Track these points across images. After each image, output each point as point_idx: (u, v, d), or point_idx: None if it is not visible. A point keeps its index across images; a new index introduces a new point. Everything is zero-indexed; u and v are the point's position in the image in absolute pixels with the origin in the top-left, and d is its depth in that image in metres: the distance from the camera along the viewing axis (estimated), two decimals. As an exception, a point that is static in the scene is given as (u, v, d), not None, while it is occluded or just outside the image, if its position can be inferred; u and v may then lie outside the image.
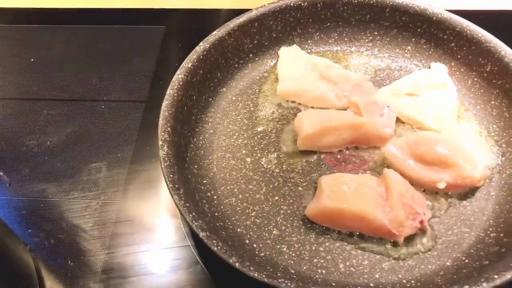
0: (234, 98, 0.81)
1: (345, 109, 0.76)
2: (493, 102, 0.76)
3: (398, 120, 0.75)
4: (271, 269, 0.61)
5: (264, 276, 0.53)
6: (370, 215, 0.61)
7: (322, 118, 0.71)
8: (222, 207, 0.68)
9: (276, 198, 0.69)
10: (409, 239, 0.63)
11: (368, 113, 0.71)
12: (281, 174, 0.71)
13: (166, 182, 0.61)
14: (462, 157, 0.66)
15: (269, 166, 0.72)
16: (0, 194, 0.73)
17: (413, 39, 0.84)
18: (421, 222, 0.62)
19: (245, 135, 0.76)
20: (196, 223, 0.58)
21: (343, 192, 0.63)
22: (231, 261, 0.55)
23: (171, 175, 0.62)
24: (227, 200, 0.69)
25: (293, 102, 0.79)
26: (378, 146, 0.72)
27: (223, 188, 0.70)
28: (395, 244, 0.63)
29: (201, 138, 0.75)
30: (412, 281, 0.60)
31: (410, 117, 0.74)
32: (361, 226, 0.63)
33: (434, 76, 0.78)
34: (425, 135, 0.71)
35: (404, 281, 0.60)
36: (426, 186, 0.67)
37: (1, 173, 0.75)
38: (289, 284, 0.53)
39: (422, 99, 0.75)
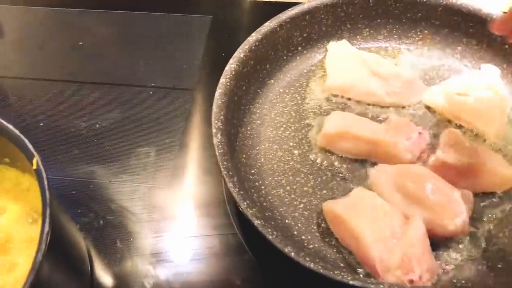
0: (281, 90, 0.81)
1: (396, 106, 0.76)
2: (547, 106, 0.75)
3: (445, 120, 0.75)
4: (321, 262, 0.61)
5: (320, 267, 0.53)
6: (366, 241, 0.59)
7: (347, 123, 0.71)
8: (270, 197, 0.68)
9: (324, 191, 0.69)
10: (461, 240, 0.63)
11: (395, 133, 0.69)
12: (329, 168, 0.71)
13: (221, 169, 0.62)
14: (445, 203, 0.61)
15: (317, 160, 0.72)
16: (51, 173, 0.74)
17: (464, 40, 0.83)
18: (411, 282, 0.57)
19: (293, 128, 0.76)
20: (250, 211, 0.58)
21: (361, 209, 0.61)
22: (286, 250, 0.55)
23: (225, 163, 0.63)
24: (274, 191, 0.69)
25: (342, 97, 0.79)
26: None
27: (270, 178, 0.70)
28: (447, 243, 0.63)
29: (249, 128, 0.75)
30: (463, 281, 0.60)
31: (459, 116, 0.74)
32: (354, 248, 0.62)
33: (485, 77, 0.76)
34: (418, 169, 0.66)
35: (454, 280, 0.60)
36: None
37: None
38: (345, 276, 0.53)
39: (472, 99, 0.74)
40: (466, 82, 0.76)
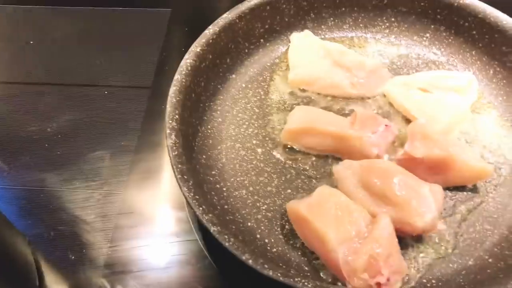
0: (244, 85, 0.77)
1: (362, 98, 0.73)
2: (516, 93, 0.72)
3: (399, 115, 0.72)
4: (284, 266, 0.58)
5: (279, 274, 0.50)
6: (331, 243, 0.55)
7: (311, 118, 0.68)
8: (231, 199, 0.65)
9: (289, 191, 0.66)
10: (430, 236, 0.60)
11: (361, 127, 0.66)
12: (294, 166, 0.68)
13: (175, 173, 0.58)
14: (413, 200, 0.58)
15: (281, 158, 0.69)
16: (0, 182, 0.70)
17: (432, 26, 0.80)
18: (378, 284, 0.54)
19: (256, 124, 0.72)
20: (206, 217, 0.54)
21: (325, 209, 0.58)
22: (244, 257, 0.51)
23: (179, 165, 0.59)
24: (237, 193, 0.66)
25: (306, 90, 0.76)
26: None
27: (232, 179, 0.67)
28: (417, 241, 0.60)
29: (209, 126, 0.71)
30: (433, 281, 0.57)
31: (407, 110, 0.71)
32: (319, 250, 0.58)
33: (456, 79, 0.72)
34: (384, 164, 0.63)
35: (424, 280, 0.57)
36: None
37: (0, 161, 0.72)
38: (305, 283, 0.49)
39: (432, 97, 0.71)
40: (433, 79, 0.73)
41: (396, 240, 0.57)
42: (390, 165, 0.63)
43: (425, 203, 0.58)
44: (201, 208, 0.55)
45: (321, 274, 0.58)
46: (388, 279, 0.54)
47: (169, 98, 0.65)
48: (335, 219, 0.57)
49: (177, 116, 0.63)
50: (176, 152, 0.60)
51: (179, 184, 0.57)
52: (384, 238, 0.55)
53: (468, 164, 0.63)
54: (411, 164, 0.63)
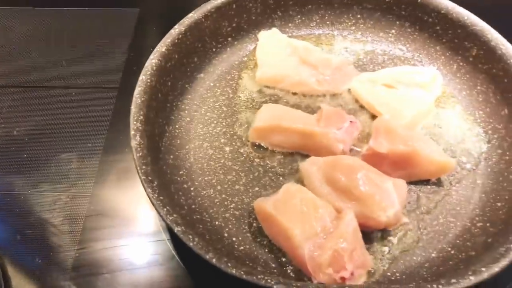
0: (212, 84, 0.77)
1: (329, 94, 0.74)
2: (479, 88, 0.74)
3: (365, 111, 0.73)
4: (250, 264, 0.58)
5: (242, 272, 0.50)
6: (296, 239, 0.56)
7: (278, 115, 0.68)
8: (199, 199, 0.65)
9: (257, 188, 0.66)
10: (394, 230, 0.61)
11: (326, 123, 0.66)
12: (262, 163, 0.68)
13: (139, 174, 0.58)
14: (376, 195, 0.59)
15: (249, 156, 0.69)
16: (-38, 187, 0.69)
17: (397, 22, 0.81)
18: (342, 279, 0.55)
19: (224, 123, 0.73)
20: (170, 218, 0.54)
21: (291, 206, 0.59)
22: (207, 257, 0.52)
23: (143, 167, 0.59)
24: (204, 192, 0.66)
25: (274, 88, 0.76)
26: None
27: (200, 179, 0.67)
28: (382, 235, 0.61)
29: (177, 126, 0.71)
30: (397, 274, 0.58)
31: (372, 106, 0.72)
32: (286, 247, 0.59)
33: (421, 74, 0.74)
34: (348, 160, 0.63)
35: (389, 273, 0.58)
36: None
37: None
38: (269, 280, 0.50)
39: (397, 92, 0.72)
40: (398, 75, 0.74)
41: (360, 235, 0.58)
42: (354, 160, 0.64)
43: (388, 198, 0.59)
44: (165, 209, 0.55)
45: (288, 271, 0.58)
46: (352, 274, 0.55)
47: (133, 99, 0.64)
48: (301, 215, 0.58)
49: (141, 117, 0.63)
50: (140, 154, 0.60)
51: (143, 186, 0.57)
52: (348, 234, 0.56)
53: (432, 158, 0.64)
54: (376, 159, 0.64)
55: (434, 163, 0.64)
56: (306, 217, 0.58)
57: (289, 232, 0.57)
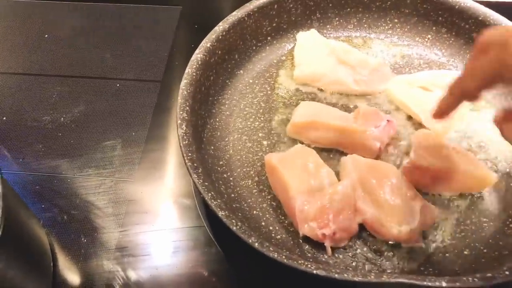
0: (251, 80, 0.80)
1: (365, 95, 0.76)
2: (513, 93, 0.75)
3: (400, 112, 0.75)
4: (287, 252, 0.60)
5: (284, 257, 0.52)
6: (291, 190, 0.61)
7: (316, 112, 0.70)
8: (238, 188, 0.67)
9: (293, 181, 0.68)
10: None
11: (363, 121, 0.68)
12: (298, 158, 0.70)
13: (185, 161, 0.60)
14: (398, 208, 0.60)
15: (286, 150, 0.71)
16: (14, 168, 0.72)
17: (433, 28, 0.83)
18: (323, 235, 0.58)
19: (262, 118, 0.75)
20: (215, 202, 0.57)
21: (297, 163, 0.64)
22: (250, 241, 0.54)
23: (189, 154, 0.61)
24: (243, 182, 0.68)
25: (311, 87, 0.78)
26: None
27: (239, 170, 0.69)
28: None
29: (217, 119, 0.74)
30: (430, 269, 0.60)
31: (408, 107, 0.73)
32: (282, 198, 0.64)
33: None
34: (388, 168, 0.65)
35: (422, 268, 0.60)
36: None
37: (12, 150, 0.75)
38: (309, 266, 0.52)
39: (432, 95, 0.73)
40: (434, 78, 0.75)
41: (354, 202, 0.61)
42: (394, 171, 0.65)
43: (409, 215, 0.60)
44: (210, 194, 0.58)
45: (320, 261, 0.60)
46: (334, 233, 0.58)
47: (180, 91, 0.67)
48: (302, 171, 0.63)
49: (187, 108, 0.66)
50: (186, 141, 0.63)
51: (189, 171, 0.60)
52: (338, 194, 0.60)
53: (470, 173, 0.64)
54: (416, 173, 0.65)
55: (474, 177, 0.65)
56: (306, 174, 0.63)
57: (287, 184, 0.62)
